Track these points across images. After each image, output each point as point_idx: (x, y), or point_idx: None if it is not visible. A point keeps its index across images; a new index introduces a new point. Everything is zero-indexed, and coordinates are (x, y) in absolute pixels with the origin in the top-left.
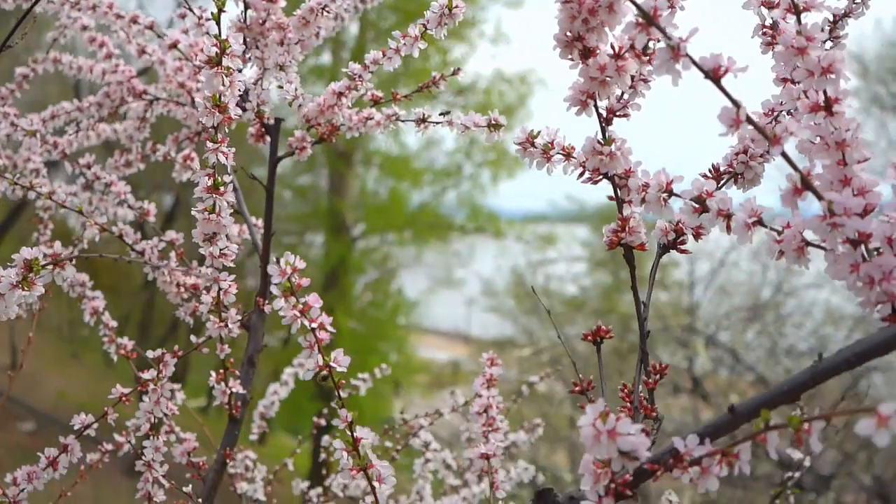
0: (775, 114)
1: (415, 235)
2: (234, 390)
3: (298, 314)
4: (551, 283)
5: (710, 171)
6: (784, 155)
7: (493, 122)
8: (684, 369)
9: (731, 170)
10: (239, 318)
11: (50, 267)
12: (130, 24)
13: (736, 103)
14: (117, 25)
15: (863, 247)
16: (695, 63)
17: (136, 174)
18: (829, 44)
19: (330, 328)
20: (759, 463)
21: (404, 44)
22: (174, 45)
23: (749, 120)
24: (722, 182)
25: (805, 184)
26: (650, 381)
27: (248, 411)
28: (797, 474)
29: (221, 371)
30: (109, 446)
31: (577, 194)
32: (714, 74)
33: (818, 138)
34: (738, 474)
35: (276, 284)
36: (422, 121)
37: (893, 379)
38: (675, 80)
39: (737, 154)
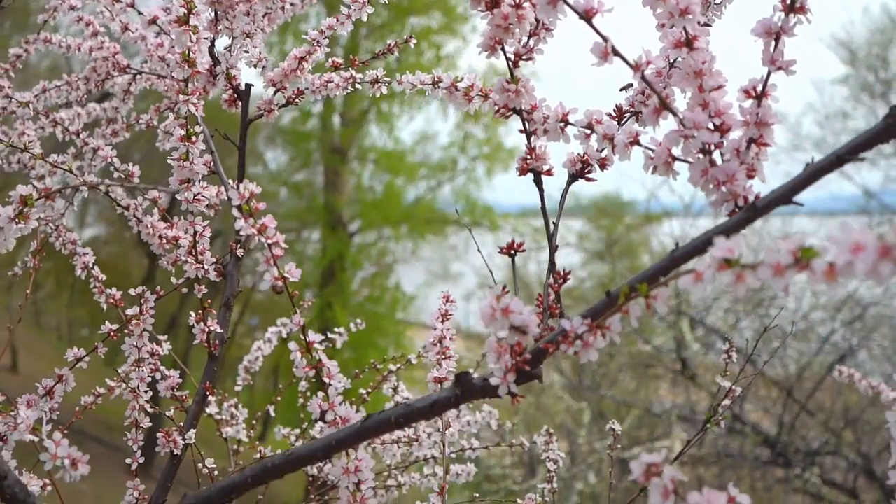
0: (671, 59)
1: (411, 230)
2: (212, 329)
3: (256, 232)
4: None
5: (614, 109)
6: (644, 79)
7: (436, 80)
8: (673, 355)
9: (632, 109)
10: (214, 259)
11: (42, 200)
12: (114, 2)
13: (604, 38)
14: (101, 4)
15: (718, 156)
16: (569, 6)
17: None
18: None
19: (283, 244)
20: (747, 445)
21: (354, 9)
22: (153, 21)
23: (615, 52)
24: (625, 119)
25: (663, 104)
26: (556, 285)
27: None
28: (727, 402)
29: (200, 311)
30: (102, 389)
31: (572, 187)
32: (587, 15)
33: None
34: (726, 454)
35: (235, 207)
36: (375, 81)
37: (877, 356)
38: (554, 23)
39: (637, 95)
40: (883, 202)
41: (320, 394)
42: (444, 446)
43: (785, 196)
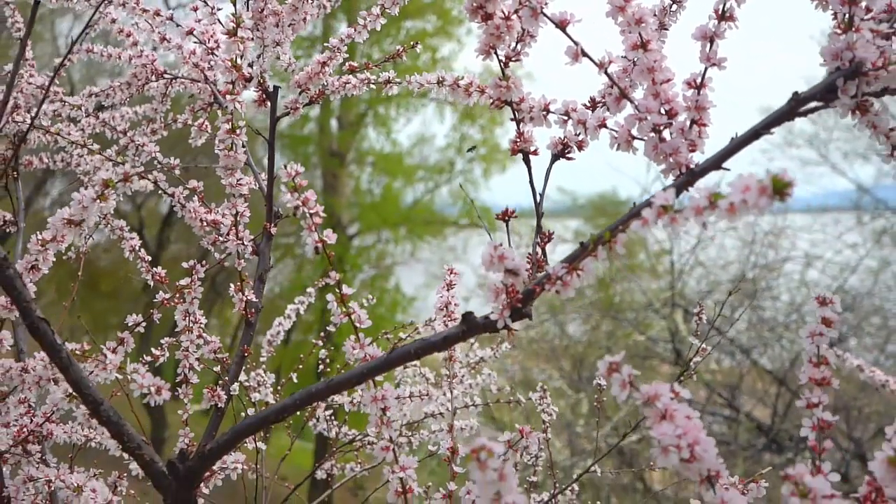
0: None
1: (409, 232)
2: (249, 299)
3: (301, 204)
4: None
5: (589, 100)
6: (608, 75)
7: (440, 79)
8: (669, 346)
9: (603, 100)
10: (252, 237)
11: (121, 182)
12: (154, 16)
13: (575, 43)
14: (143, 18)
15: (668, 134)
16: (548, 18)
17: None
18: (674, 6)
19: (322, 213)
20: (741, 433)
21: (369, 20)
22: (191, 32)
23: (584, 54)
24: (598, 107)
25: (622, 94)
26: (542, 243)
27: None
28: (698, 358)
29: (239, 283)
30: (149, 358)
31: (569, 187)
32: (561, 25)
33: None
34: (721, 441)
35: (284, 183)
36: (388, 82)
37: (868, 345)
38: (535, 32)
39: (606, 88)
40: (876, 197)
41: (352, 336)
42: (450, 393)
43: (715, 163)
